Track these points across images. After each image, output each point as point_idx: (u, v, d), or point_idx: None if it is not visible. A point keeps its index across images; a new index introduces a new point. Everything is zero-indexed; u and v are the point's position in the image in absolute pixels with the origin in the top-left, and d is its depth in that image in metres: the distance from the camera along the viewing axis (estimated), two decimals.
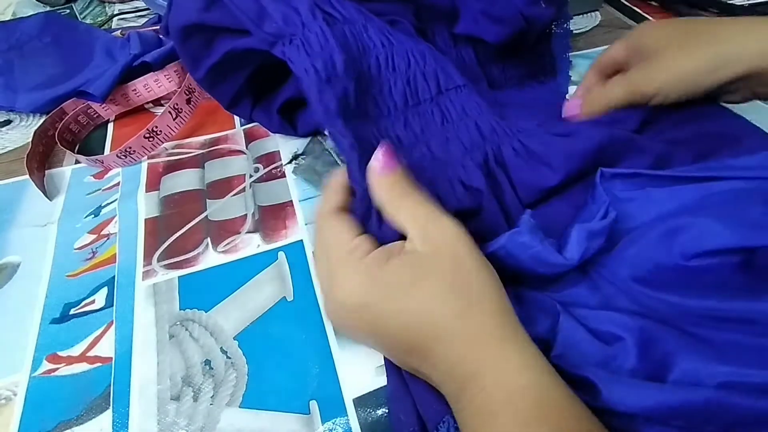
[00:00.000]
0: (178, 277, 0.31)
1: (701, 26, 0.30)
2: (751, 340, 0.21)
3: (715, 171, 0.26)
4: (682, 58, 0.29)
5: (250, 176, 0.38)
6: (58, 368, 0.27)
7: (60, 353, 0.28)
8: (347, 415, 0.25)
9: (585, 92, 0.34)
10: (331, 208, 0.24)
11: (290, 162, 0.39)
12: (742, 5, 0.55)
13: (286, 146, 0.40)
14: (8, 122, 0.45)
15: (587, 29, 0.53)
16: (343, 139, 0.25)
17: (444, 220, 0.22)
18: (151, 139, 0.38)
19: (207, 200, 0.36)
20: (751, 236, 0.22)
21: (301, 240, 0.33)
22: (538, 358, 0.20)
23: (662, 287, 0.23)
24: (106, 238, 0.34)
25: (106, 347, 0.28)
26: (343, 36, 0.28)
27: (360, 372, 0.26)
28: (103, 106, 0.43)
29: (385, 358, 0.25)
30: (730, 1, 0.55)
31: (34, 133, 0.40)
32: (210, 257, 0.32)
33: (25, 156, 0.38)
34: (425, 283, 0.20)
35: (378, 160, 0.23)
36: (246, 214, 0.35)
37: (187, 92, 0.40)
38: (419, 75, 0.29)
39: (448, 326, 0.20)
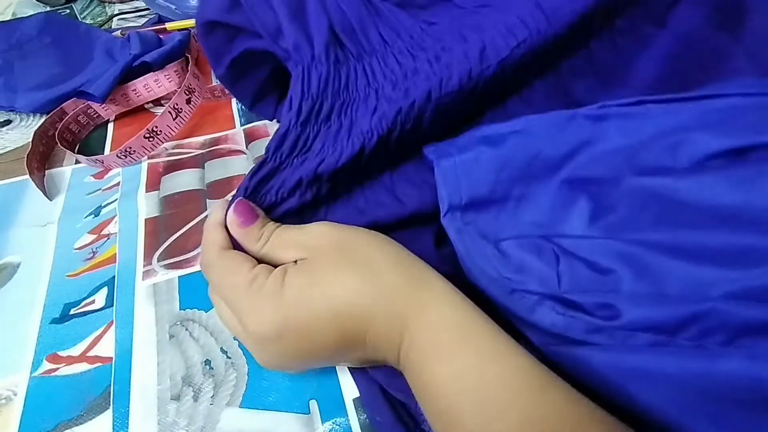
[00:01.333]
0: (178, 277, 0.31)
1: None
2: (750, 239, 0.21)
3: (712, 91, 0.26)
4: None
5: None
6: (58, 368, 0.27)
7: (60, 353, 0.28)
8: (347, 415, 0.25)
9: None
10: (216, 249, 0.23)
11: None
12: None
13: None
14: (8, 122, 0.45)
15: None
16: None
17: (310, 226, 0.23)
18: (151, 139, 0.38)
19: (207, 200, 0.36)
20: (740, 137, 0.22)
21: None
22: (452, 292, 0.21)
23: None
24: (106, 238, 0.34)
25: (106, 347, 0.28)
26: (348, 74, 0.27)
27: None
28: (103, 106, 0.43)
29: (349, 367, 0.26)
30: None
31: (34, 133, 0.40)
32: None
33: (25, 156, 0.38)
34: (321, 276, 0.21)
35: (236, 218, 0.23)
36: None
37: (187, 92, 0.40)
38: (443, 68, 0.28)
39: (361, 300, 0.20)
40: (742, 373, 0.18)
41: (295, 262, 0.22)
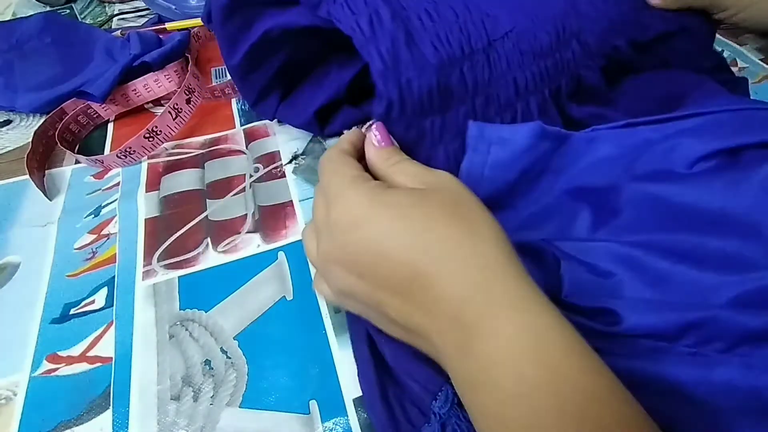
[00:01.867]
0: (178, 277, 0.31)
1: None
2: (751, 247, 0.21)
3: (695, 110, 0.27)
4: None
5: (250, 176, 0.38)
6: (58, 368, 0.27)
7: (60, 353, 0.28)
8: (347, 415, 0.25)
9: None
10: (338, 151, 0.24)
11: (290, 162, 0.39)
12: None
13: (286, 146, 0.40)
14: (8, 122, 0.45)
15: None
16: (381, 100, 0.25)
17: (439, 171, 0.22)
18: (151, 139, 0.38)
19: (207, 200, 0.36)
20: (728, 140, 0.23)
21: (301, 240, 0.33)
22: (544, 297, 0.18)
23: None
24: (106, 238, 0.34)
25: (106, 347, 0.28)
26: None
27: None
28: (103, 106, 0.43)
29: (358, 362, 0.25)
30: None
31: (34, 133, 0.40)
32: (210, 257, 0.32)
33: (25, 156, 0.38)
34: (426, 206, 0.19)
35: (374, 135, 0.24)
36: (246, 214, 0.35)
37: (186, 92, 0.40)
38: (470, 23, 0.28)
39: (452, 247, 0.18)
40: (739, 381, 0.18)
41: None
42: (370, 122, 0.25)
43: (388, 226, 0.19)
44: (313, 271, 0.31)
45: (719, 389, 0.18)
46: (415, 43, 0.27)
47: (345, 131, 0.26)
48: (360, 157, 0.25)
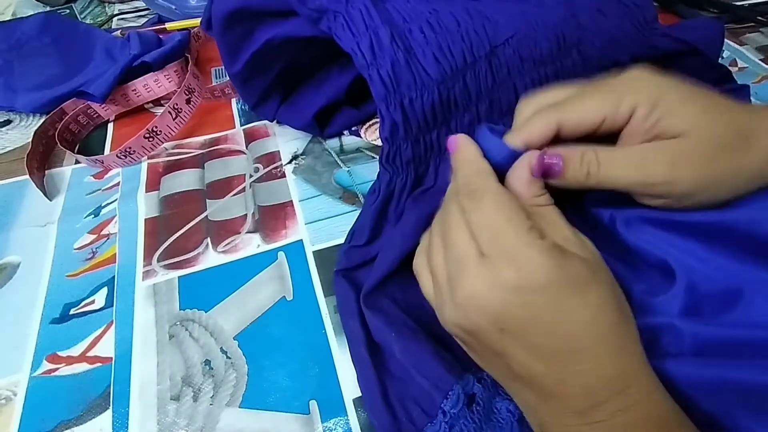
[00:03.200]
0: (178, 277, 0.31)
1: (745, 119, 0.22)
2: None
3: None
4: (730, 159, 0.21)
5: (250, 176, 0.38)
6: (58, 368, 0.27)
7: (60, 353, 0.28)
8: (347, 415, 0.25)
9: (569, 154, 0.23)
10: (486, 175, 0.21)
11: (290, 162, 0.39)
12: (743, 5, 0.55)
13: (286, 146, 0.40)
14: (8, 122, 0.45)
15: None
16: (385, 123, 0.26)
17: (588, 241, 0.21)
18: (151, 139, 0.38)
19: (207, 200, 0.36)
20: None
21: (301, 240, 0.33)
22: (665, 392, 0.19)
23: None
24: (106, 238, 0.34)
25: (106, 347, 0.28)
26: (386, 12, 0.28)
27: None
28: (103, 106, 0.43)
29: (356, 364, 0.25)
30: (730, 2, 0.55)
31: (34, 133, 0.40)
32: (210, 257, 0.32)
33: (25, 156, 0.38)
34: (600, 289, 0.19)
35: (538, 160, 0.22)
36: (246, 214, 0.35)
37: (186, 92, 0.40)
38: (471, 30, 0.28)
39: (614, 340, 0.19)
40: (699, 377, 0.20)
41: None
42: (372, 122, 0.25)
43: (570, 300, 0.18)
44: (313, 270, 0.31)
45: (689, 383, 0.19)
46: (416, 60, 0.27)
47: (457, 144, 0.23)
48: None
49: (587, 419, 0.18)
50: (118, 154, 0.38)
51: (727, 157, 0.21)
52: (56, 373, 0.27)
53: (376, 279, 0.26)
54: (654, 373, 0.19)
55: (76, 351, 0.28)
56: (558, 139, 0.23)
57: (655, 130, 0.22)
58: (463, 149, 0.23)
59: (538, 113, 0.23)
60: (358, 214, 0.31)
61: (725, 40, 0.50)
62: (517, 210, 0.20)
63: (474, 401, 0.22)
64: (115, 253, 0.33)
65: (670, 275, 0.22)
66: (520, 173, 0.22)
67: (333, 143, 0.40)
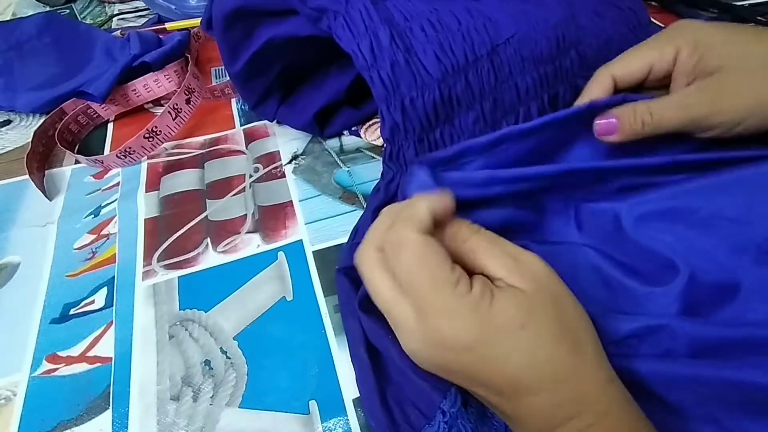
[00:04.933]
0: (178, 277, 0.31)
1: None
2: None
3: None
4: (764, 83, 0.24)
5: (250, 176, 0.38)
6: (57, 368, 0.27)
7: (60, 353, 0.28)
8: (347, 415, 0.25)
9: (622, 112, 0.26)
10: (416, 228, 0.20)
11: (290, 162, 0.39)
12: (743, 5, 0.55)
13: (286, 146, 0.40)
14: (8, 122, 0.45)
15: None
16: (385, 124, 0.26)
17: (526, 253, 0.21)
18: (150, 139, 0.38)
19: (207, 200, 0.36)
20: None
21: (301, 240, 0.33)
22: (623, 391, 0.19)
23: None
24: (105, 238, 0.34)
25: (106, 347, 0.28)
26: (386, 11, 0.28)
27: None
28: (103, 106, 0.43)
29: (355, 365, 0.25)
30: (730, 2, 0.55)
31: (34, 133, 0.40)
32: (210, 257, 0.32)
33: (25, 156, 0.38)
34: (534, 324, 0.19)
35: (447, 203, 0.22)
36: (246, 214, 0.35)
37: (186, 92, 0.40)
38: (472, 29, 0.28)
39: (557, 369, 0.19)
40: (701, 375, 0.20)
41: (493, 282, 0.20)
42: (371, 122, 0.26)
43: (497, 352, 0.19)
44: (313, 270, 0.31)
45: (684, 384, 0.19)
46: (416, 59, 0.27)
47: (416, 193, 0.22)
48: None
49: None
50: (118, 154, 0.38)
51: (766, 83, 0.24)
52: (56, 373, 0.27)
53: None
54: (619, 386, 0.19)
55: (75, 351, 0.28)
56: (618, 91, 0.27)
57: (698, 69, 0.25)
58: (413, 198, 0.22)
59: (597, 72, 0.28)
60: (358, 214, 0.31)
61: None
62: (438, 262, 0.20)
63: (468, 403, 0.22)
64: (115, 253, 0.33)
65: (671, 268, 0.22)
66: (438, 210, 0.21)
67: (333, 143, 0.40)
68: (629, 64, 0.27)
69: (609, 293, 0.25)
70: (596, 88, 0.27)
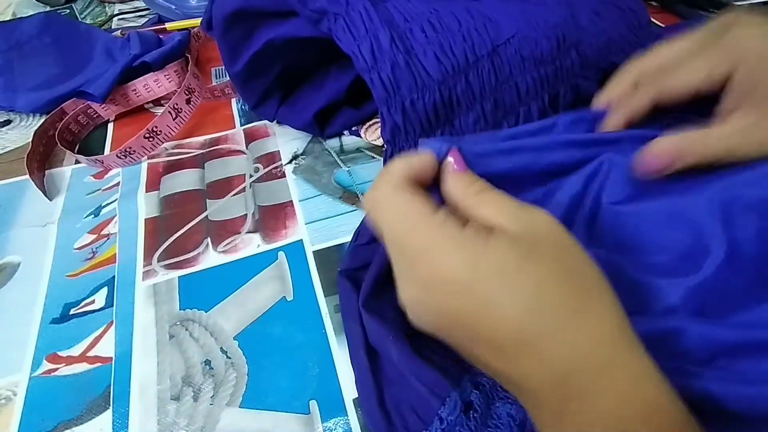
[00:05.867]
0: (178, 277, 0.31)
1: None
2: None
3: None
4: None
5: (250, 176, 0.38)
6: (58, 368, 0.27)
7: (60, 353, 0.28)
8: (347, 415, 0.25)
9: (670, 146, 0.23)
10: (391, 186, 0.20)
11: (290, 162, 0.39)
12: (743, 5, 0.55)
13: (286, 146, 0.40)
14: (8, 122, 0.45)
15: None
16: (386, 125, 0.26)
17: (533, 208, 0.19)
18: (151, 139, 0.38)
19: (207, 200, 0.36)
20: None
21: (301, 240, 0.33)
22: (654, 367, 0.17)
23: None
24: (106, 238, 0.34)
25: (106, 347, 0.28)
26: (387, 12, 0.28)
27: None
28: (103, 106, 0.43)
29: (355, 367, 0.25)
30: (730, 2, 0.55)
31: (34, 133, 0.40)
32: (210, 257, 0.32)
33: (25, 156, 0.38)
34: (534, 267, 0.17)
35: (450, 161, 0.21)
36: (246, 214, 0.35)
37: (186, 92, 0.40)
38: (473, 29, 0.28)
39: (565, 321, 0.17)
40: (713, 393, 0.18)
41: None
42: (372, 122, 0.25)
43: (494, 289, 0.17)
44: (313, 270, 0.31)
45: (696, 400, 0.19)
46: (417, 61, 0.27)
47: (393, 160, 0.22)
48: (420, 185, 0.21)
49: (559, 415, 0.17)
50: (118, 154, 0.38)
51: None
52: (56, 373, 0.27)
53: (371, 279, 0.26)
54: (644, 354, 0.17)
55: (76, 351, 0.28)
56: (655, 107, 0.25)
57: (756, 95, 0.22)
58: (391, 163, 0.22)
59: (639, 90, 0.25)
60: (359, 214, 0.31)
61: None
62: (425, 204, 0.19)
63: (471, 407, 0.22)
64: (115, 253, 0.33)
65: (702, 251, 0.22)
66: (445, 175, 0.21)
67: (333, 143, 0.40)
68: (674, 87, 0.24)
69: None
70: (636, 108, 0.25)
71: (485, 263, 0.17)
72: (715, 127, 0.23)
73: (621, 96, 0.26)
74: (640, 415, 0.16)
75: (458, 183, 0.21)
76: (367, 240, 0.29)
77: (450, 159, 0.22)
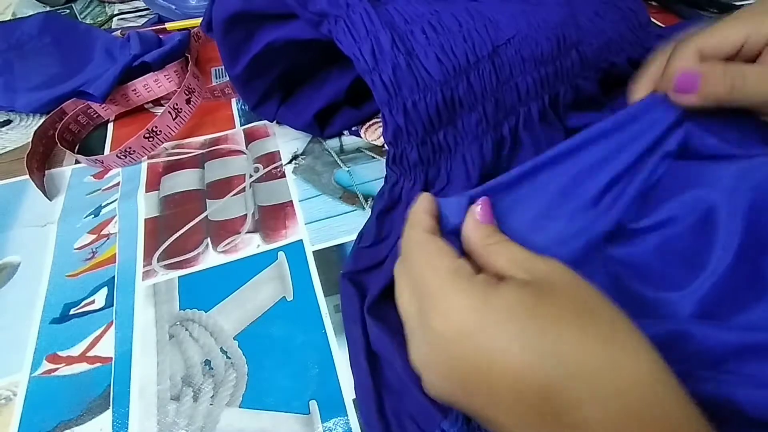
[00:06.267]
0: (178, 277, 0.31)
1: None
2: None
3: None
4: None
5: (250, 176, 0.38)
6: (58, 368, 0.27)
7: (60, 353, 0.28)
8: (347, 415, 0.25)
9: (710, 69, 0.23)
10: (422, 230, 0.21)
11: (290, 162, 0.39)
12: (743, 5, 0.55)
13: (286, 146, 0.40)
14: (8, 122, 0.45)
15: None
16: (388, 127, 0.26)
17: (546, 258, 0.19)
18: (150, 139, 0.38)
19: (207, 200, 0.36)
20: None
21: (301, 240, 0.33)
22: (698, 411, 0.15)
23: None
24: (106, 238, 0.34)
25: (106, 347, 0.28)
26: (387, 14, 0.28)
27: None
28: (103, 106, 0.43)
29: (354, 371, 0.25)
30: (730, 2, 0.55)
31: (34, 133, 0.40)
32: (210, 257, 0.32)
33: (25, 156, 0.38)
34: (547, 305, 0.16)
35: (477, 209, 0.22)
36: (246, 214, 0.35)
37: (186, 92, 0.40)
38: (473, 30, 0.28)
39: (589, 362, 0.15)
40: (719, 397, 0.18)
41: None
42: (372, 122, 0.25)
43: (505, 334, 0.16)
44: (313, 270, 0.31)
45: (701, 404, 0.18)
46: (418, 62, 0.27)
47: (415, 200, 0.23)
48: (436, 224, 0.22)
49: None
50: (118, 154, 0.38)
51: None
52: (56, 373, 0.27)
53: (380, 287, 0.26)
54: (686, 395, 0.15)
55: (76, 351, 0.28)
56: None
57: None
58: (414, 205, 0.23)
59: (678, 46, 0.24)
60: (359, 214, 0.30)
61: None
62: (439, 253, 0.19)
63: (473, 420, 0.22)
64: (115, 253, 0.33)
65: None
66: (467, 220, 0.22)
67: (333, 143, 0.40)
68: (723, 34, 0.23)
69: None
70: (678, 63, 0.24)
71: (494, 308, 0.16)
72: (761, 65, 0.23)
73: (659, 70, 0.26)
74: None
75: (477, 232, 0.21)
76: (371, 242, 0.29)
77: (477, 207, 0.22)
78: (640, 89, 0.27)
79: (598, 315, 0.16)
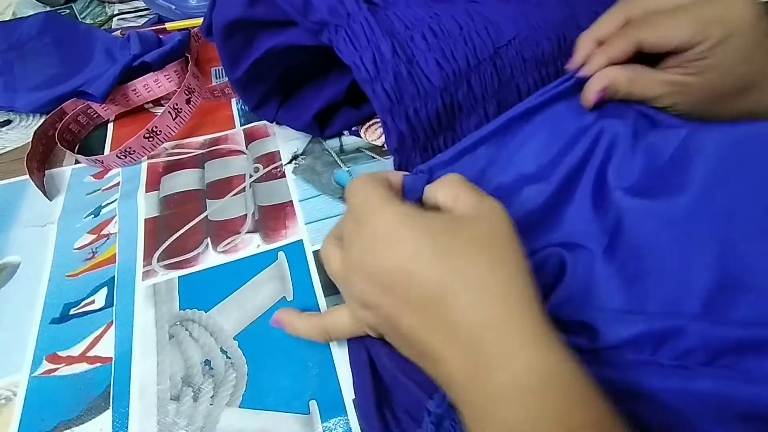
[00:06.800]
0: (178, 277, 0.31)
1: None
2: None
3: None
4: (733, 102, 0.26)
5: (250, 176, 0.38)
6: (58, 368, 0.27)
7: (60, 353, 0.28)
8: (347, 415, 0.25)
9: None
10: (368, 177, 0.22)
11: (290, 162, 0.39)
12: None
13: (286, 146, 0.40)
14: (8, 122, 0.45)
15: None
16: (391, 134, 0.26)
17: (487, 197, 0.21)
18: (150, 139, 0.38)
19: (207, 200, 0.36)
20: None
21: (301, 240, 0.33)
22: (557, 337, 0.18)
23: None
24: (106, 238, 0.34)
25: (106, 347, 0.28)
26: (388, 21, 0.28)
27: None
28: (103, 106, 0.43)
29: (354, 370, 0.25)
30: None
31: (34, 133, 0.40)
32: (210, 257, 0.32)
33: (25, 156, 0.38)
34: (457, 233, 0.19)
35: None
36: (246, 214, 0.35)
37: (186, 92, 0.40)
38: (474, 33, 0.29)
39: (478, 276, 0.18)
40: (718, 392, 0.18)
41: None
42: (371, 122, 0.26)
43: (419, 245, 0.19)
44: (313, 270, 0.31)
45: (697, 399, 0.18)
46: (418, 69, 0.27)
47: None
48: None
49: (481, 385, 0.17)
50: (118, 154, 0.38)
51: (731, 102, 0.25)
52: (56, 373, 0.27)
53: None
54: (550, 330, 0.18)
55: (76, 351, 0.28)
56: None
57: (708, 64, 0.24)
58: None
59: (622, 32, 0.26)
60: None
61: None
62: (375, 188, 0.21)
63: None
64: (115, 253, 0.33)
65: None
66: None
67: (333, 143, 0.40)
68: (666, 33, 0.25)
69: None
70: (619, 50, 0.26)
71: (413, 224, 0.19)
72: (656, 72, 0.26)
73: (607, 35, 0.27)
74: (540, 386, 0.17)
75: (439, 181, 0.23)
76: None
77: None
78: (581, 49, 0.28)
79: (497, 245, 0.19)
